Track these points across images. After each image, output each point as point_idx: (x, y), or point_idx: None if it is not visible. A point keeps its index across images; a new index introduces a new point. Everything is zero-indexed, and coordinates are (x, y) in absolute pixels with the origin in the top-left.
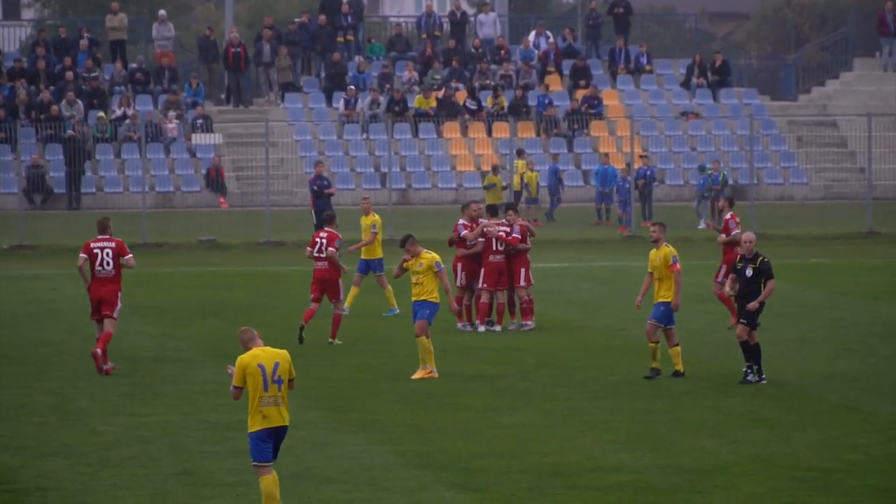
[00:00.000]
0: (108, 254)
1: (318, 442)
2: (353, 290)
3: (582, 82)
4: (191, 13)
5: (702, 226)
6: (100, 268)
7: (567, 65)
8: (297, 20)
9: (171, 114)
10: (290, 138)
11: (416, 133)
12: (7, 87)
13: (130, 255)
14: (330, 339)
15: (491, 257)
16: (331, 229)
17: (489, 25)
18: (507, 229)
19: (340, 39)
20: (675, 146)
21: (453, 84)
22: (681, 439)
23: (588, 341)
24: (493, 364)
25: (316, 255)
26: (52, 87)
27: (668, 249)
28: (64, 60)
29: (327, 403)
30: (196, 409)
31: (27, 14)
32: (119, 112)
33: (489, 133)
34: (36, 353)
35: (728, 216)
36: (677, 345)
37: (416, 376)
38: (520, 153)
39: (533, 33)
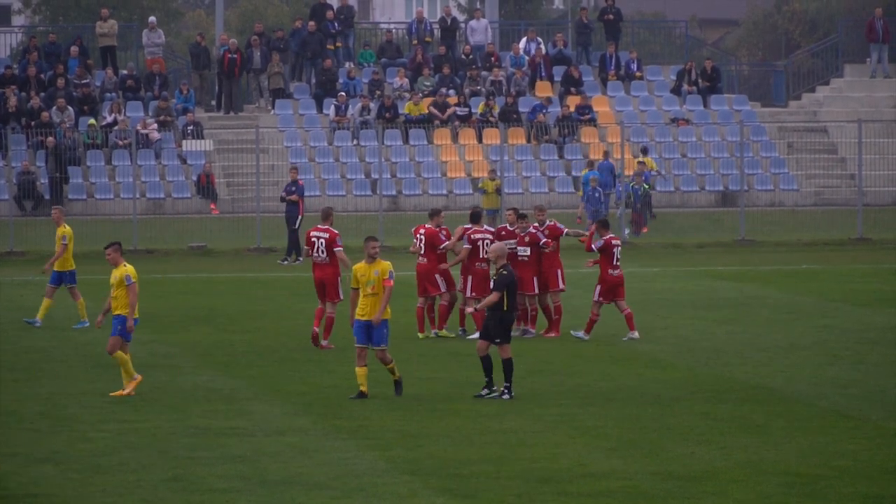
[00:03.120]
0: (322, 243)
1: (307, 448)
2: (46, 302)
3: (573, 89)
4: (181, 20)
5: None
6: (316, 255)
7: (558, 71)
8: (290, 26)
9: (150, 120)
10: (280, 145)
11: (406, 139)
12: None
13: (340, 248)
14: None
15: (477, 265)
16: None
17: (480, 32)
18: (490, 236)
19: (330, 47)
20: (666, 153)
21: (444, 90)
22: (671, 445)
23: (579, 348)
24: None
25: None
26: (42, 94)
27: (385, 263)
28: (55, 67)
29: (316, 409)
30: (186, 415)
31: (17, 20)
32: (110, 119)
33: (479, 139)
34: (26, 359)
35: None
36: (366, 366)
37: (120, 392)
38: (645, 151)
39: (524, 40)
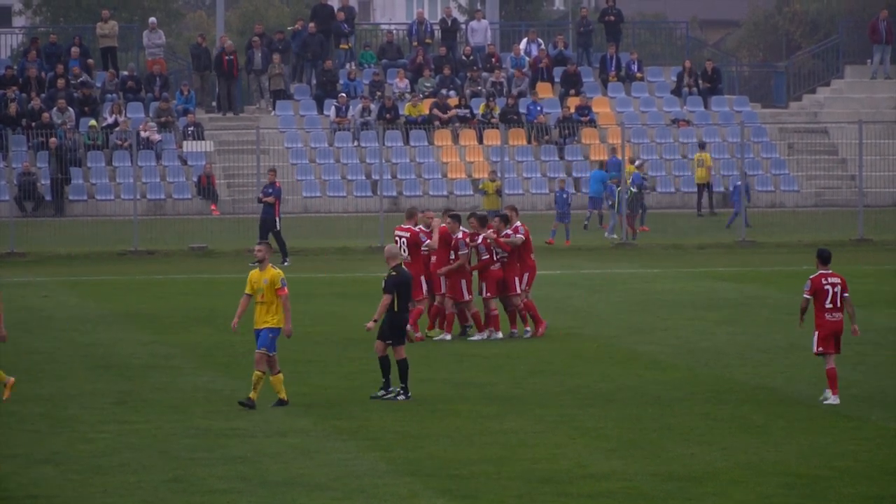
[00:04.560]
0: (403, 242)
1: (308, 449)
2: None
3: (573, 90)
4: (182, 21)
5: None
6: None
7: (558, 72)
8: (290, 28)
9: (151, 123)
10: (281, 146)
11: (407, 140)
12: None
13: (426, 243)
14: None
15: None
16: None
17: (480, 33)
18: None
19: (344, 46)
20: (666, 154)
21: (444, 91)
22: (671, 446)
23: (580, 348)
24: (484, 371)
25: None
26: (42, 95)
27: (275, 272)
28: (56, 68)
29: (317, 410)
30: (187, 417)
31: (18, 21)
32: (110, 119)
33: (480, 140)
34: (27, 360)
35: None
36: (280, 372)
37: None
38: (702, 146)
39: (524, 41)
